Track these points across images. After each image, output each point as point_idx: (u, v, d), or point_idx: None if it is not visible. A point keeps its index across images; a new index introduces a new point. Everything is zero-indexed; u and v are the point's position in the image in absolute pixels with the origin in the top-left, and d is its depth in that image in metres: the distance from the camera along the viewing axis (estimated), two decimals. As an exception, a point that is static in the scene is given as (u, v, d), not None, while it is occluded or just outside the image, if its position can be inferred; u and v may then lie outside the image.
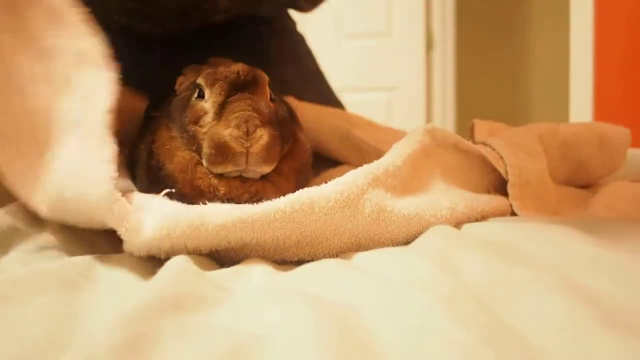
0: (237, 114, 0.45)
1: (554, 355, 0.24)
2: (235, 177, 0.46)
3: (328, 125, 0.73)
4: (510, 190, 0.51)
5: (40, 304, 0.29)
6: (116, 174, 0.39)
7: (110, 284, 0.35)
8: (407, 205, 0.43)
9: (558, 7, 2.60)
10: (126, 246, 0.39)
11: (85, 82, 0.45)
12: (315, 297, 0.30)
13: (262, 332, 0.26)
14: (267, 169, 0.46)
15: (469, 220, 0.46)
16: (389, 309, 0.28)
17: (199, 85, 0.50)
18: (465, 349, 0.23)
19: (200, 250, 0.39)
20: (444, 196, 0.46)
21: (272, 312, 0.28)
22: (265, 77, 0.50)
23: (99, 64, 0.46)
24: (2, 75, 0.44)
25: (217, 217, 0.38)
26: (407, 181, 0.46)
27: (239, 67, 0.49)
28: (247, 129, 0.44)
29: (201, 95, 0.49)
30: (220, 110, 0.47)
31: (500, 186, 0.53)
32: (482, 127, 0.63)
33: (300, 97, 0.80)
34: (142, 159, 0.54)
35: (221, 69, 0.49)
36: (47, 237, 0.42)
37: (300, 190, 0.41)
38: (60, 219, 0.42)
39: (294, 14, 1.08)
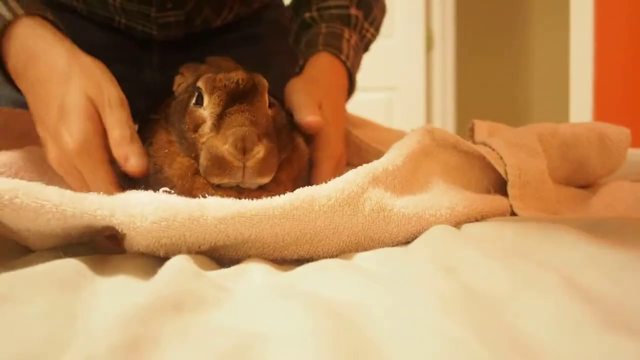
0: (234, 130, 0.45)
1: (553, 354, 0.24)
2: (233, 187, 0.46)
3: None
4: (510, 190, 0.52)
5: (41, 304, 0.29)
6: None
7: (110, 284, 0.35)
8: (407, 205, 0.43)
9: (558, 7, 2.60)
10: (126, 241, 0.39)
11: None
12: (315, 297, 0.30)
13: (261, 332, 0.26)
14: (264, 181, 0.46)
15: (469, 220, 0.46)
16: (388, 308, 0.28)
17: (198, 89, 0.50)
18: (464, 348, 0.23)
19: (200, 246, 0.39)
20: (443, 196, 0.46)
21: (272, 312, 0.28)
22: (264, 84, 0.50)
23: None
24: None
25: (217, 210, 0.39)
26: (406, 180, 0.46)
27: (238, 76, 0.48)
28: (244, 146, 0.44)
29: (200, 101, 0.49)
30: (219, 121, 0.47)
31: (500, 186, 0.53)
32: (482, 128, 0.63)
33: None
34: None
35: (221, 76, 0.49)
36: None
37: (301, 188, 0.41)
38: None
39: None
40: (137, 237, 0.38)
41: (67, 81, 0.54)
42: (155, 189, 0.45)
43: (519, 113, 3.03)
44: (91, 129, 0.51)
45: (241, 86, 0.48)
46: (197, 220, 0.38)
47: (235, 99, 0.48)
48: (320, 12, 0.77)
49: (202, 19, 0.88)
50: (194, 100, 0.50)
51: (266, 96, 0.50)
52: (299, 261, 0.41)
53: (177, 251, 0.39)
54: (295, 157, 0.53)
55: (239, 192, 0.46)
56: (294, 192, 0.41)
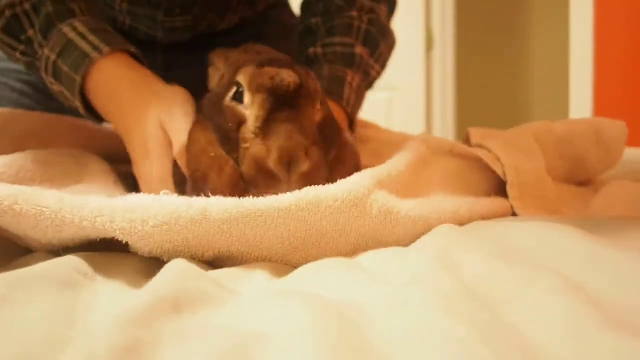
0: (281, 143, 0.42)
1: (554, 354, 0.24)
2: None
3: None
4: (509, 190, 0.52)
5: (41, 304, 0.29)
6: None
7: (111, 283, 0.35)
8: (413, 208, 0.43)
9: (558, 7, 2.60)
10: (130, 248, 0.39)
11: None
12: (316, 296, 0.30)
13: (262, 332, 0.26)
14: None
15: (471, 221, 0.46)
16: (390, 307, 0.28)
17: (238, 84, 0.46)
18: (465, 348, 0.23)
19: (204, 253, 0.38)
20: (446, 200, 0.47)
21: (273, 312, 0.28)
22: (316, 88, 0.47)
23: None
24: None
25: (220, 211, 0.38)
26: (408, 186, 0.46)
27: (290, 79, 0.44)
28: (290, 161, 0.42)
29: (239, 96, 0.46)
30: (264, 127, 0.43)
31: (500, 188, 0.53)
32: (477, 134, 0.63)
33: None
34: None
35: (267, 73, 0.45)
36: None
37: (307, 188, 0.40)
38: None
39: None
40: (139, 242, 0.37)
41: (145, 113, 0.55)
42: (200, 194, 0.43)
43: (519, 113, 3.03)
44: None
45: (291, 90, 0.44)
46: (200, 223, 0.37)
47: (282, 102, 0.44)
48: (324, 50, 0.74)
49: (208, 23, 0.88)
50: (231, 94, 0.46)
51: (317, 102, 0.47)
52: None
53: (180, 257, 0.38)
54: (347, 154, 0.51)
55: None
56: (301, 191, 0.40)
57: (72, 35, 0.58)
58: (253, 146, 0.43)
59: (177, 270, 0.34)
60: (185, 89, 0.68)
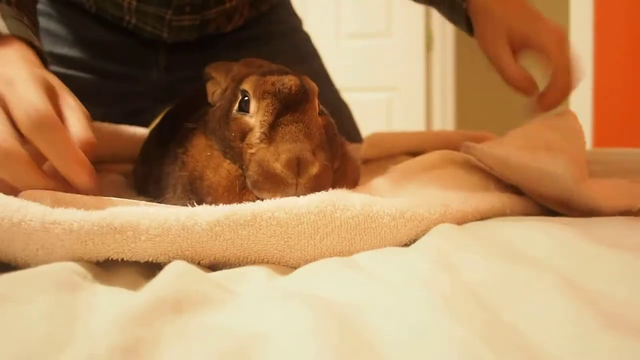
0: (288, 146, 0.42)
1: (555, 355, 0.24)
2: None
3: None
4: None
5: (41, 304, 0.29)
6: None
7: (111, 284, 0.35)
8: (400, 202, 0.43)
9: (558, 7, 2.60)
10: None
11: None
12: (316, 297, 0.30)
13: (262, 332, 0.26)
14: None
15: (465, 216, 0.45)
16: (389, 308, 0.28)
17: (244, 93, 0.46)
18: (465, 348, 0.23)
19: (199, 261, 0.38)
20: (437, 194, 0.46)
21: (273, 312, 0.28)
22: (315, 90, 0.47)
23: None
24: None
25: (209, 214, 0.38)
26: (401, 186, 0.46)
27: (291, 81, 0.45)
28: (299, 166, 0.41)
29: (244, 106, 0.46)
30: (270, 132, 0.43)
31: (507, 189, 0.53)
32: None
33: None
34: (165, 173, 0.51)
35: (271, 79, 0.45)
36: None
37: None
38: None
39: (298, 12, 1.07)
40: (133, 258, 0.37)
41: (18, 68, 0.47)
42: (195, 198, 0.43)
43: (519, 113, 3.03)
44: (49, 104, 0.43)
45: (294, 92, 0.45)
46: (192, 228, 0.37)
47: (287, 106, 0.44)
48: None
49: (215, 26, 0.89)
50: (236, 106, 0.46)
51: (316, 103, 0.47)
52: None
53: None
54: (350, 167, 0.51)
55: None
56: (281, 200, 0.40)
57: None
58: (259, 151, 0.43)
59: (176, 271, 0.34)
60: (189, 89, 0.67)
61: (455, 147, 0.97)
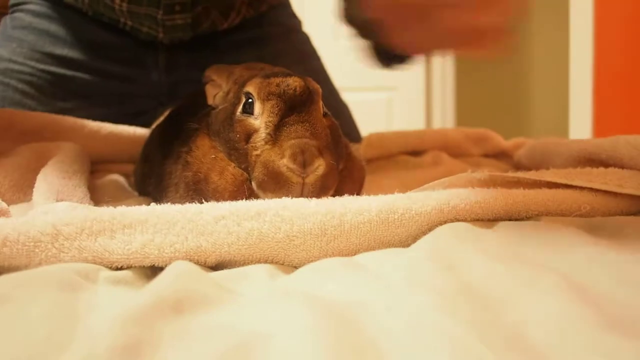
0: (293, 143, 0.41)
1: (554, 354, 0.24)
2: None
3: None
4: None
5: (41, 304, 0.29)
6: None
7: (112, 284, 0.35)
8: (413, 203, 0.42)
9: (558, 7, 2.60)
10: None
11: None
12: (317, 297, 0.30)
13: (263, 332, 0.26)
14: (323, 197, 0.43)
15: (460, 212, 0.44)
16: (390, 308, 0.28)
17: (248, 95, 0.46)
18: (465, 348, 0.23)
19: (206, 259, 0.38)
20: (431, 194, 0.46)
21: (273, 312, 0.28)
22: (319, 91, 0.47)
23: None
24: None
25: (214, 209, 0.39)
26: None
27: (296, 83, 0.45)
28: (304, 160, 0.41)
29: (248, 108, 0.45)
30: (275, 132, 0.43)
31: None
32: None
33: None
34: (168, 173, 0.51)
35: (275, 80, 0.45)
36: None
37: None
38: None
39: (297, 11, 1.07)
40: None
41: None
42: (190, 201, 0.43)
43: (519, 113, 3.03)
44: None
45: (298, 93, 0.44)
46: (196, 222, 0.38)
47: (292, 107, 0.44)
48: None
49: (210, 23, 0.89)
50: (240, 108, 0.46)
51: (321, 104, 0.47)
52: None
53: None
54: (355, 168, 0.50)
55: None
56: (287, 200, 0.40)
57: None
58: (264, 151, 0.43)
59: (177, 271, 0.34)
60: (189, 89, 0.67)
61: (455, 145, 0.96)
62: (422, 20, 0.41)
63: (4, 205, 0.46)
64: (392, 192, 0.45)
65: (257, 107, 0.45)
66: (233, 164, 0.46)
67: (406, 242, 0.42)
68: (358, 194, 0.49)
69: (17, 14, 0.91)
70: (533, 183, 0.48)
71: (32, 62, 0.86)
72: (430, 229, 0.42)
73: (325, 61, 1.09)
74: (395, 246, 0.42)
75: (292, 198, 0.42)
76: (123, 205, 0.40)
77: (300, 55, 1.02)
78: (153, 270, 0.38)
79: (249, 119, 0.45)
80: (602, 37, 2.28)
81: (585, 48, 2.32)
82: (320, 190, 0.43)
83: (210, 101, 0.54)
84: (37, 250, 0.36)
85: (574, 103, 2.40)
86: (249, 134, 0.45)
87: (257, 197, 0.44)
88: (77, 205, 0.46)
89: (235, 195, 0.45)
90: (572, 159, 0.62)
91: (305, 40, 1.06)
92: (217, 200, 0.44)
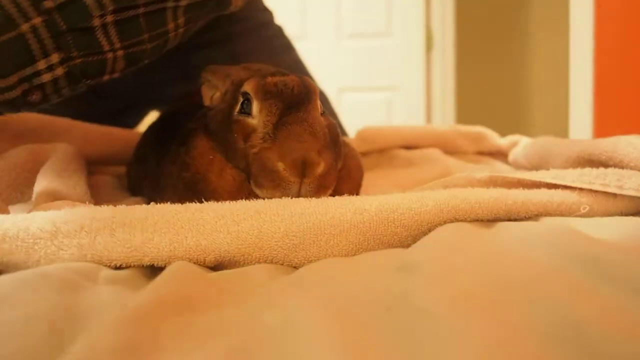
0: (293, 146, 0.41)
1: (553, 354, 0.24)
2: None
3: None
4: None
5: (41, 304, 0.29)
6: None
7: (111, 284, 0.35)
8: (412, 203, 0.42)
9: (558, 6, 2.60)
10: None
11: None
12: (317, 297, 0.30)
13: (263, 332, 0.26)
14: (321, 197, 0.43)
15: (460, 212, 0.45)
16: (390, 308, 0.28)
17: (245, 95, 0.46)
18: (466, 348, 0.23)
19: (205, 258, 0.38)
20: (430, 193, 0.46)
21: (274, 311, 0.28)
22: (316, 90, 0.47)
23: None
24: None
25: (214, 210, 0.39)
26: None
27: (293, 82, 0.45)
28: (305, 163, 0.41)
29: (246, 108, 0.45)
30: (273, 131, 0.43)
31: None
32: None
33: None
34: (165, 174, 0.51)
35: (273, 80, 0.45)
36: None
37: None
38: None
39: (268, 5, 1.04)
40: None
41: None
42: (189, 201, 0.43)
43: (519, 113, 3.03)
44: None
45: (296, 92, 0.45)
46: (196, 221, 0.38)
47: (289, 106, 0.44)
48: None
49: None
50: (238, 108, 0.46)
51: (318, 103, 0.47)
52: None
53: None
54: (353, 167, 0.50)
55: None
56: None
57: None
58: (262, 149, 0.43)
59: (177, 271, 0.34)
60: (158, 90, 0.65)
61: (448, 142, 0.96)
62: None
63: (1, 204, 0.46)
64: (389, 192, 0.45)
65: (255, 107, 0.45)
66: (230, 165, 0.46)
67: (406, 242, 0.42)
68: (357, 193, 0.49)
69: None
70: (533, 183, 0.48)
71: None
72: (430, 229, 0.42)
73: (327, 61, 1.08)
74: (395, 246, 0.42)
75: (290, 197, 0.42)
76: (122, 205, 0.40)
77: (272, 49, 0.99)
78: (153, 270, 0.38)
79: (246, 119, 0.45)
80: (602, 37, 2.28)
81: (586, 48, 2.32)
82: (319, 189, 0.43)
83: (206, 102, 0.54)
84: (36, 247, 0.36)
85: (574, 103, 2.40)
86: (247, 134, 0.45)
87: (256, 197, 0.44)
88: (77, 203, 0.46)
89: (234, 196, 0.45)
90: (572, 159, 0.62)
91: (277, 33, 1.02)
92: (216, 200, 0.44)
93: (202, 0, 0.62)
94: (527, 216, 0.44)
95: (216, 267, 0.39)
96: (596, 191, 0.45)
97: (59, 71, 0.51)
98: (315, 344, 0.24)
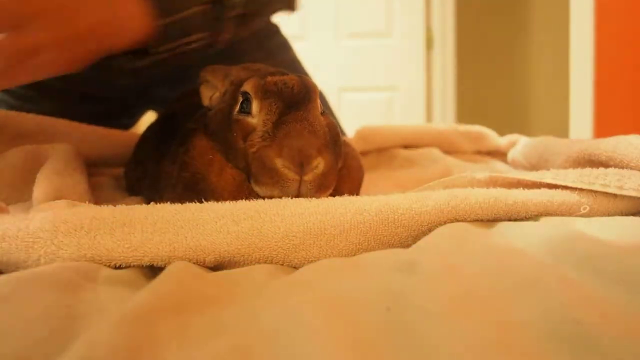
0: (291, 142, 0.41)
1: (553, 355, 0.24)
2: None
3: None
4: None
5: (41, 304, 0.29)
6: None
7: (111, 284, 0.35)
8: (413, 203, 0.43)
9: (558, 6, 2.60)
10: None
11: None
12: (317, 297, 0.30)
13: (263, 332, 0.26)
14: (322, 197, 0.43)
15: (460, 212, 0.45)
16: (390, 307, 0.28)
17: (245, 94, 0.46)
18: (466, 349, 0.23)
19: (205, 258, 0.38)
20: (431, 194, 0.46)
21: (275, 311, 0.28)
22: (316, 89, 0.47)
23: None
24: None
25: (213, 210, 0.39)
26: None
27: (293, 82, 0.45)
28: (303, 160, 0.41)
29: (246, 107, 0.45)
30: (273, 130, 0.43)
31: None
32: None
33: None
34: (164, 174, 0.51)
35: (273, 79, 0.45)
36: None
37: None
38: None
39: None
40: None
41: None
42: (189, 201, 0.42)
43: (520, 112, 3.03)
44: None
45: (296, 92, 0.44)
46: (196, 221, 0.38)
47: (289, 105, 0.44)
48: None
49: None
50: (237, 108, 0.46)
51: (318, 102, 0.47)
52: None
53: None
54: (353, 167, 0.50)
55: None
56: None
57: None
58: (261, 148, 0.43)
59: (177, 271, 0.34)
60: (181, 93, 0.66)
61: (447, 142, 0.96)
62: None
63: (1, 203, 0.46)
64: (389, 191, 0.45)
65: (255, 106, 0.45)
66: (230, 165, 0.46)
67: (406, 242, 0.42)
68: (357, 193, 0.49)
69: None
70: (533, 183, 0.48)
71: None
72: (430, 229, 0.42)
73: (327, 61, 1.08)
74: (395, 246, 0.42)
75: (290, 196, 0.42)
76: (122, 205, 0.40)
77: (268, 49, 0.97)
78: (153, 270, 0.38)
79: (246, 119, 0.45)
80: (602, 37, 2.28)
81: (586, 48, 2.32)
82: (319, 188, 0.43)
83: (206, 102, 0.54)
84: (35, 246, 0.36)
85: (574, 103, 2.40)
86: (247, 133, 0.45)
87: (256, 197, 0.44)
88: (77, 202, 0.46)
89: (234, 196, 0.45)
90: (572, 159, 0.62)
91: (270, 34, 1.01)
92: (216, 200, 0.44)
93: None
94: (527, 216, 0.44)
95: (216, 267, 0.39)
96: (596, 191, 0.45)
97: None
98: (315, 343, 0.24)
